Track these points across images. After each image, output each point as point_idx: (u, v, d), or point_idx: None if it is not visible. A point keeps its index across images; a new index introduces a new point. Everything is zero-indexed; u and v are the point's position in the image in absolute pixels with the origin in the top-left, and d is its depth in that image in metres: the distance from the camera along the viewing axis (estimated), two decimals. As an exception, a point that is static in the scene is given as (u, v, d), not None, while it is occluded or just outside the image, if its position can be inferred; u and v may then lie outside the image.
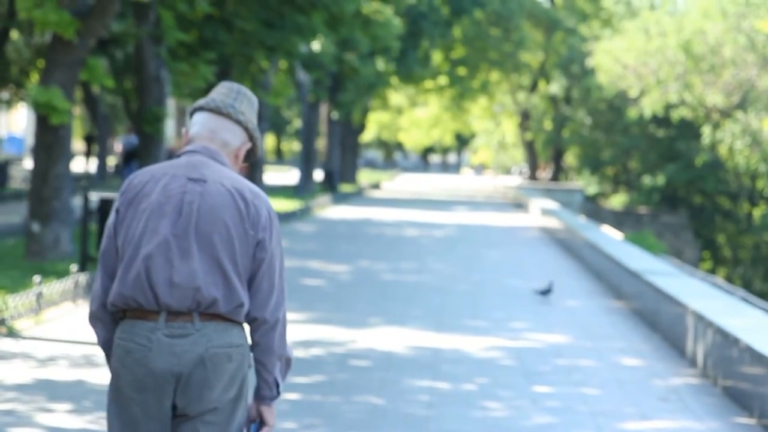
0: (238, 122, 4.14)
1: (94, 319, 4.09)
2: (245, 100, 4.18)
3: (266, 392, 4.09)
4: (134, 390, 3.94)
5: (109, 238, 4.05)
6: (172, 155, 26.73)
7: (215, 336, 3.94)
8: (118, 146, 27.25)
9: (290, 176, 62.16)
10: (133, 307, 3.96)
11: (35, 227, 16.38)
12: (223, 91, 4.17)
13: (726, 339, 9.45)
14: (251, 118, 4.18)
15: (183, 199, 3.98)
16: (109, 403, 4.05)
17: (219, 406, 3.96)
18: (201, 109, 4.16)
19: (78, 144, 51.94)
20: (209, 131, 4.13)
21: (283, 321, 4.06)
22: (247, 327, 4.10)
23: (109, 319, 4.07)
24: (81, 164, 45.95)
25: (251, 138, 4.19)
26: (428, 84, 63.63)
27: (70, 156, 16.74)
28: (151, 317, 3.94)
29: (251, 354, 4.09)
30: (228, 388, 3.96)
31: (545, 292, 15.26)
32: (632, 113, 48.00)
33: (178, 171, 4.04)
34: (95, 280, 4.10)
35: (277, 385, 4.09)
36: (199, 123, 4.15)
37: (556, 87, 64.74)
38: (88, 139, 43.87)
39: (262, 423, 4.10)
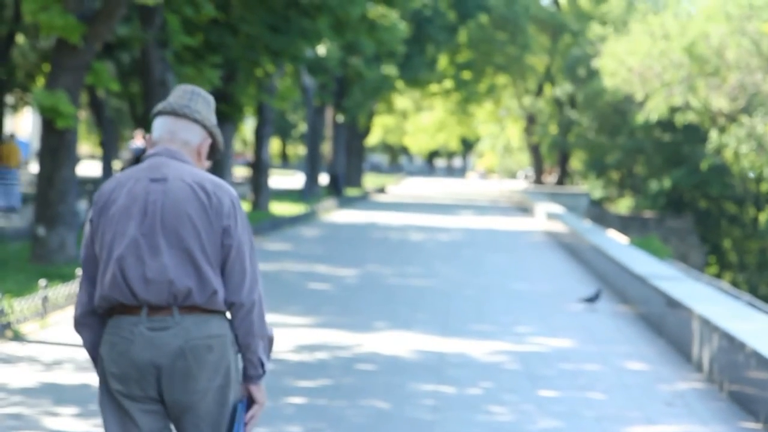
0: (195, 121, 4.32)
1: (78, 325, 4.30)
2: (200, 100, 4.36)
3: (252, 371, 4.25)
4: (119, 382, 4.13)
5: (86, 247, 4.26)
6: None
7: (194, 328, 4.11)
8: (136, 140, 27.16)
9: (296, 180, 62.21)
10: (116, 305, 4.15)
11: (41, 231, 16.40)
12: (178, 94, 4.36)
13: (732, 343, 9.44)
14: (208, 116, 4.36)
15: (147, 199, 4.17)
16: (100, 397, 4.23)
17: (208, 395, 4.13)
18: (160, 113, 4.35)
19: (92, 149, 51.83)
20: (169, 133, 4.32)
21: (259, 303, 4.23)
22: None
23: (96, 322, 4.27)
24: (97, 169, 46.01)
25: (211, 134, 4.37)
26: (434, 88, 63.69)
27: (75, 160, 16.76)
28: (134, 312, 4.13)
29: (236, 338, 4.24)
30: (213, 377, 4.14)
31: (592, 299, 15.09)
32: (639, 118, 47.98)
33: (141, 174, 4.23)
34: (79, 288, 4.29)
35: (262, 364, 4.26)
36: (159, 127, 4.34)
37: (561, 91, 64.72)
38: (104, 145, 43.84)
39: (251, 401, 4.27)
